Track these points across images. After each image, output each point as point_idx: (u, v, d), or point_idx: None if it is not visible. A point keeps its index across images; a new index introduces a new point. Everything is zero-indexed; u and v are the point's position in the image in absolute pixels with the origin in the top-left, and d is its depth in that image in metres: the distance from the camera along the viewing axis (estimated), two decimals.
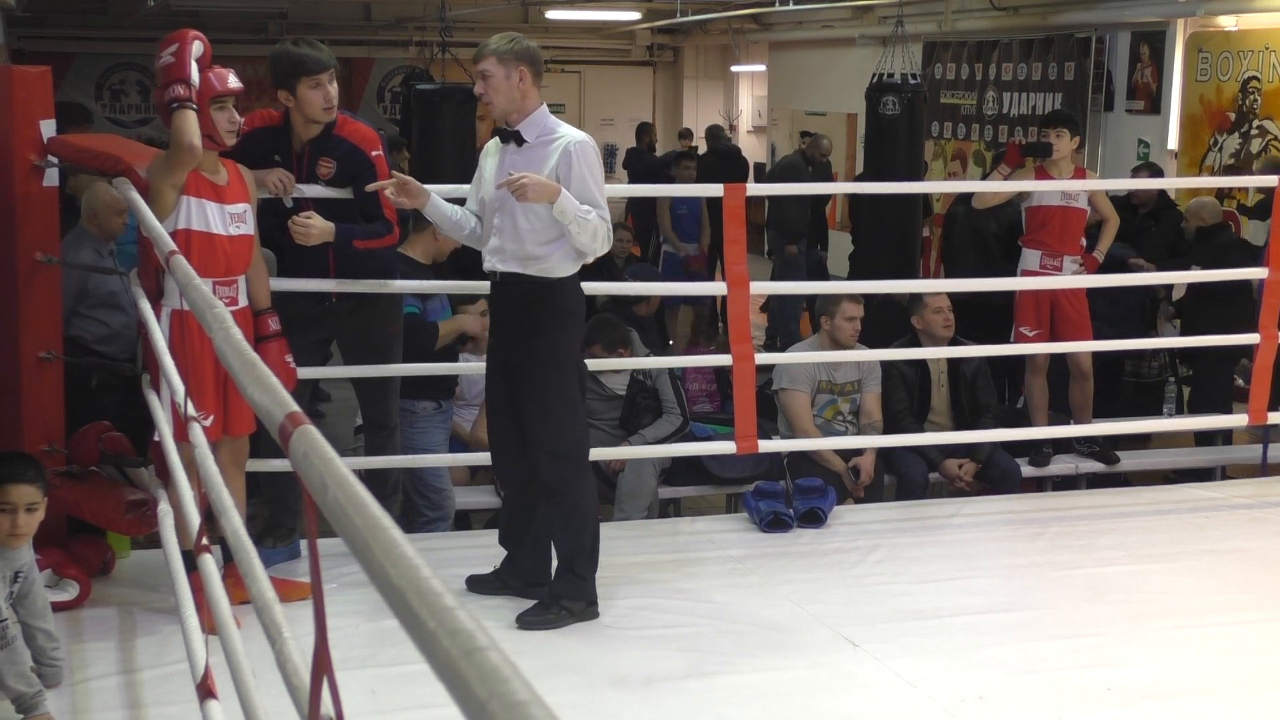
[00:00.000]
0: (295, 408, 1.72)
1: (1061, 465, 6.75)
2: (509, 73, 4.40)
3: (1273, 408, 6.17)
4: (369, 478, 5.05)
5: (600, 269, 6.08)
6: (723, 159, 13.07)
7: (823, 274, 11.50)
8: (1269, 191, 6.52)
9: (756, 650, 4.32)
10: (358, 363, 5.14)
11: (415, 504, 5.70)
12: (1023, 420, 6.76)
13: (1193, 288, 7.75)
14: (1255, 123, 9.63)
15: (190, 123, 4.18)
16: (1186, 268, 7.40)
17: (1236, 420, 6.57)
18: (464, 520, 6.23)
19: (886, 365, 6.37)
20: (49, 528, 4.09)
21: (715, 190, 5.86)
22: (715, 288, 7.52)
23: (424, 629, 1.13)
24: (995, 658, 4.29)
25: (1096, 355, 6.89)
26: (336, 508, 1.42)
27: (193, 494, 3.48)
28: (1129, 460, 6.85)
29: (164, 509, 4.27)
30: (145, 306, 4.29)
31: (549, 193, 4.29)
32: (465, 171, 7.66)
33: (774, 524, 5.51)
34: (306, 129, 4.79)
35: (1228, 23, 10.01)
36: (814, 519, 5.58)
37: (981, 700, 4.00)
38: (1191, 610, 4.73)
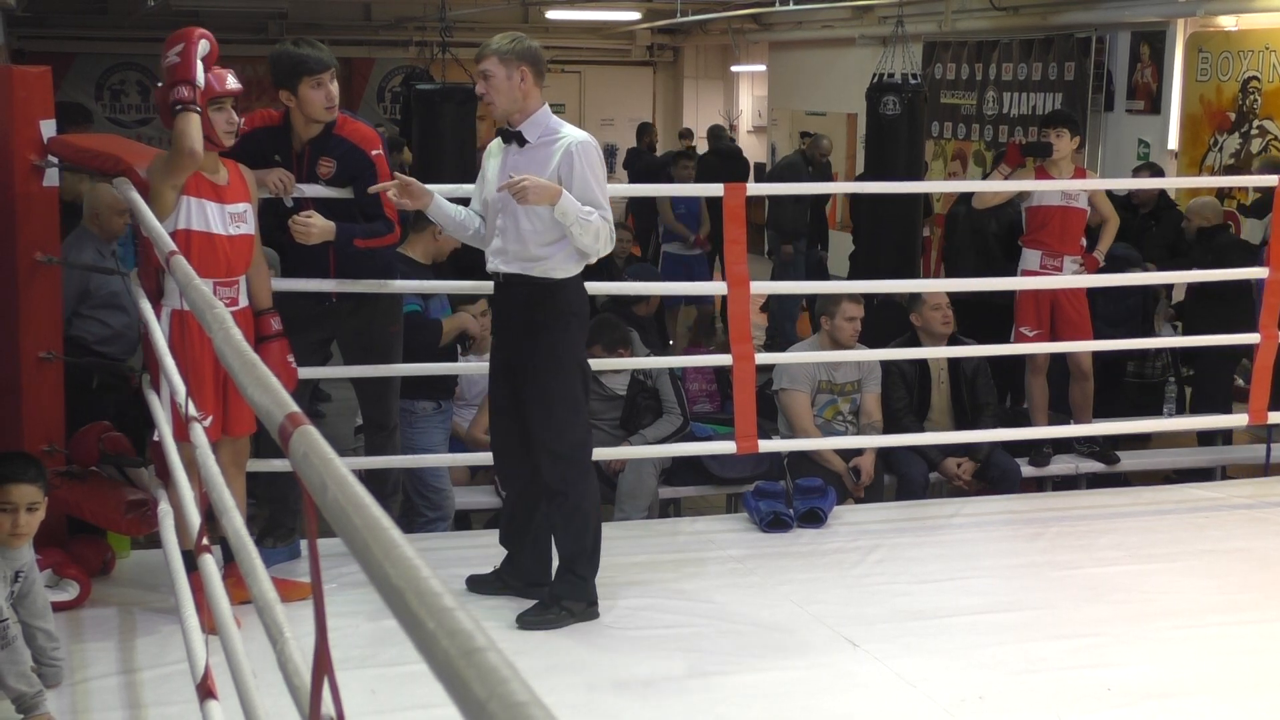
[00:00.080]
0: (295, 408, 1.73)
1: (1061, 465, 6.75)
2: (510, 73, 4.39)
3: (1273, 408, 6.17)
4: (369, 478, 5.05)
5: (600, 269, 6.08)
6: (724, 159, 13.07)
7: (823, 274, 11.49)
8: (1265, 190, 6.53)
9: (756, 650, 4.32)
10: (358, 363, 5.14)
11: (415, 504, 5.70)
12: (1023, 420, 6.76)
13: (1193, 289, 7.75)
14: (1255, 123, 9.63)
15: (193, 127, 4.18)
16: (1187, 269, 7.40)
17: (1237, 420, 6.57)
18: (464, 520, 6.23)
19: (886, 363, 6.37)
20: (49, 528, 4.09)
21: (715, 190, 5.86)
22: (715, 288, 7.52)
23: (423, 629, 1.13)
24: (995, 658, 4.29)
25: (1097, 355, 6.89)
26: (336, 508, 1.42)
27: (193, 494, 3.48)
28: (1129, 460, 6.85)
29: (164, 509, 4.27)
30: (145, 306, 4.29)
31: (550, 195, 4.28)
32: (465, 171, 7.69)
33: (774, 524, 5.51)
34: (307, 128, 4.79)
35: (1228, 23, 10.01)
36: (814, 519, 5.58)
37: (981, 700, 4.00)
38: (1191, 610, 4.73)
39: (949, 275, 8.82)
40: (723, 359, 5.89)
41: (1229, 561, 5.25)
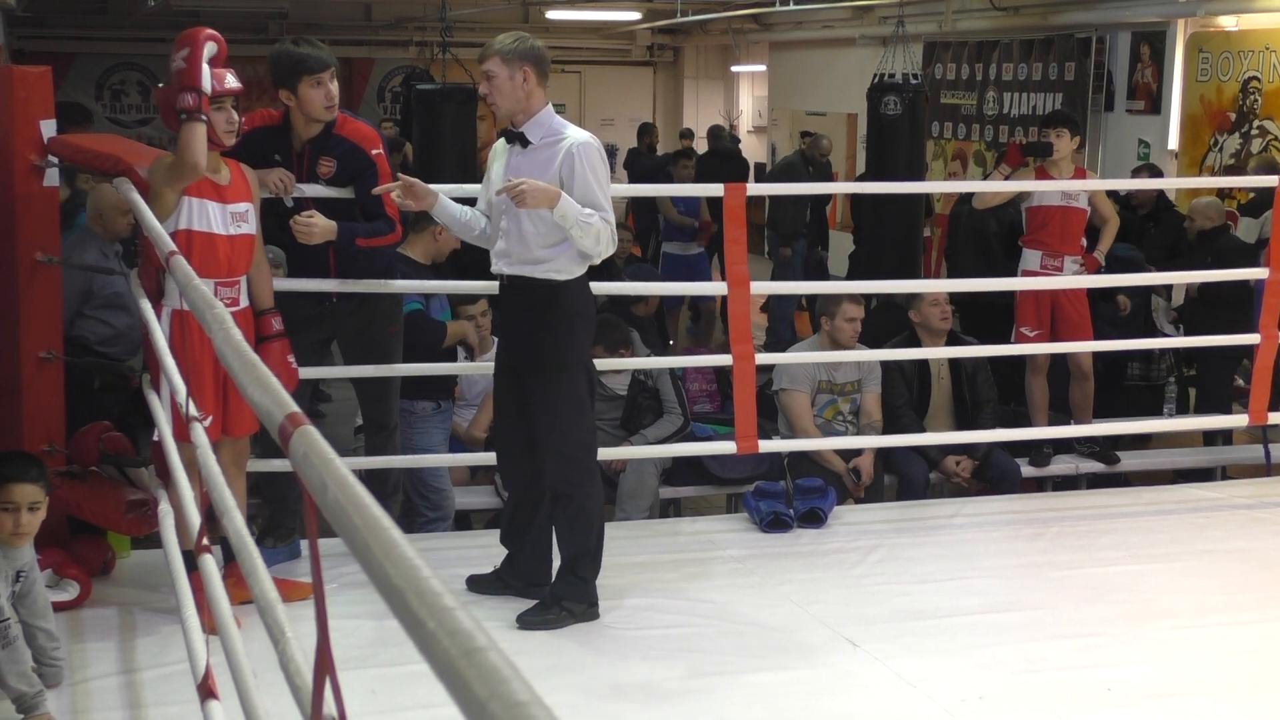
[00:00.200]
0: (295, 408, 1.73)
1: (1061, 465, 6.76)
2: (512, 73, 4.38)
3: (1273, 408, 6.17)
4: (369, 478, 5.05)
5: (600, 269, 6.09)
6: (723, 159, 13.05)
7: (823, 274, 11.49)
8: (1261, 190, 6.52)
9: (757, 650, 4.32)
10: (358, 363, 5.14)
11: (415, 504, 5.70)
12: (1023, 420, 6.76)
13: (1194, 293, 7.74)
14: (1255, 123, 9.64)
15: (198, 138, 4.15)
16: (1187, 269, 7.40)
17: (1237, 420, 6.57)
18: (464, 520, 6.23)
19: (886, 361, 6.37)
20: (50, 528, 4.09)
21: (715, 190, 5.86)
22: (715, 288, 7.52)
23: (424, 629, 1.13)
24: (995, 658, 4.29)
25: (1099, 356, 6.90)
26: (336, 508, 1.42)
27: (193, 494, 3.48)
28: (1129, 460, 6.86)
29: (164, 509, 4.27)
30: (146, 306, 4.29)
31: (548, 198, 4.27)
32: (466, 171, 7.69)
33: (774, 524, 5.52)
34: (307, 128, 4.79)
35: (1228, 23, 10.01)
36: (814, 519, 5.58)
37: (981, 700, 4.00)
38: (1191, 610, 4.73)
39: (951, 275, 8.82)
40: (723, 359, 5.89)
41: (1229, 561, 5.25)
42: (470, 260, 5.99)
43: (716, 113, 19.15)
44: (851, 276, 9.73)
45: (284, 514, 5.02)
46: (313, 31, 14.67)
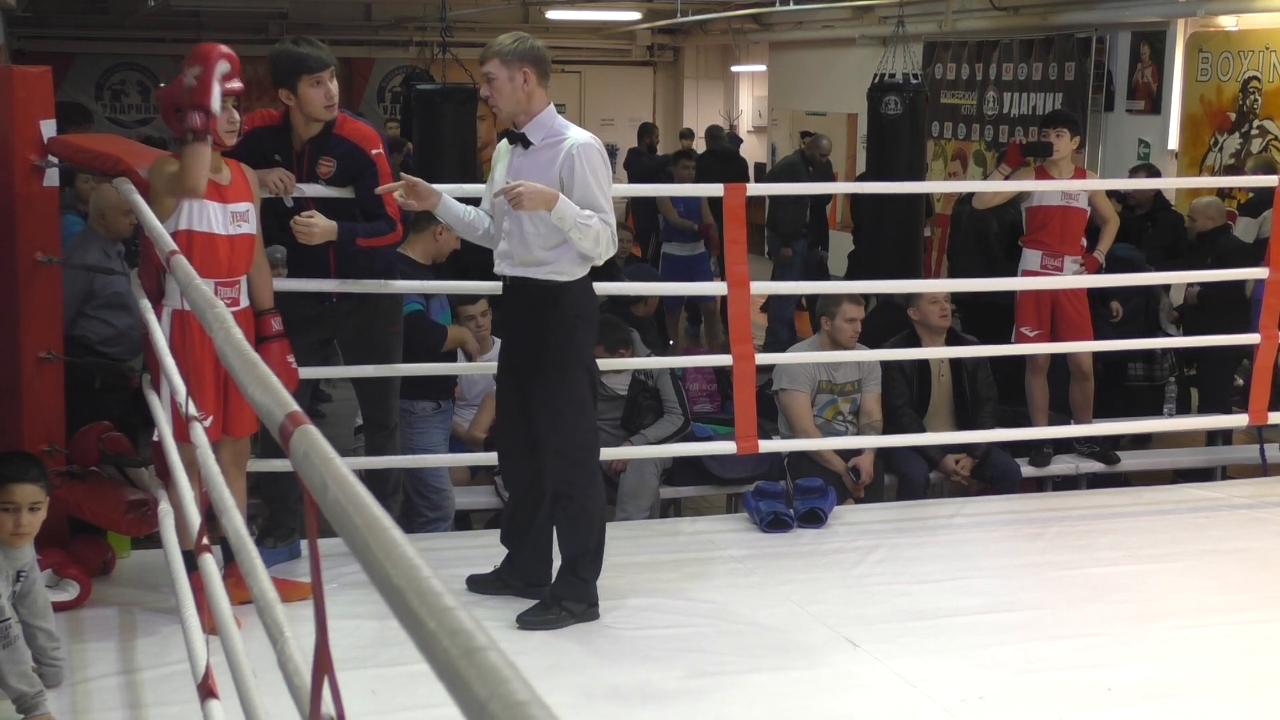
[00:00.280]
0: (295, 407, 1.73)
1: (1061, 465, 6.76)
2: (513, 74, 4.37)
3: (1273, 408, 6.17)
4: (369, 478, 5.05)
5: (600, 269, 6.09)
6: (720, 160, 13.03)
7: (823, 274, 11.50)
8: (1259, 189, 6.52)
9: (757, 650, 4.32)
10: (358, 363, 5.14)
11: (415, 504, 5.70)
12: (1023, 420, 6.77)
13: (1195, 299, 7.73)
14: (1256, 123, 9.64)
15: (201, 161, 4.14)
16: (1186, 270, 7.40)
17: (1237, 420, 6.57)
18: (464, 520, 6.23)
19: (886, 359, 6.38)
20: (50, 528, 4.09)
21: (715, 190, 5.86)
22: (715, 288, 7.52)
23: (424, 629, 1.13)
24: (995, 658, 4.29)
25: (1100, 356, 6.90)
26: (336, 508, 1.42)
27: (193, 494, 3.48)
28: (1129, 460, 6.86)
29: (164, 509, 4.27)
30: (146, 306, 4.29)
31: (545, 200, 4.26)
32: (466, 171, 7.70)
33: (774, 524, 5.52)
34: (307, 127, 4.79)
35: (1228, 23, 10.01)
36: (814, 519, 5.58)
37: (981, 700, 4.00)
38: (1191, 610, 4.73)
39: (953, 275, 8.83)
40: (723, 359, 5.90)
41: (1229, 561, 5.25)
42: (471, 260, 5.99)
43: (716, 113, 19.16)
44: (851, 276, 9.73)
45: (284, 514, 5.02)
46: (313, 31, 14.67)
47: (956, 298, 6.62)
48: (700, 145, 15.09)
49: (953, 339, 6.62)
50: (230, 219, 4.35)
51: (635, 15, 16.74)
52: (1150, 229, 8.29)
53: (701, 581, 4.96)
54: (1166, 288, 8.23)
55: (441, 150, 7.82)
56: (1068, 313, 6.62)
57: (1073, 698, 4.03)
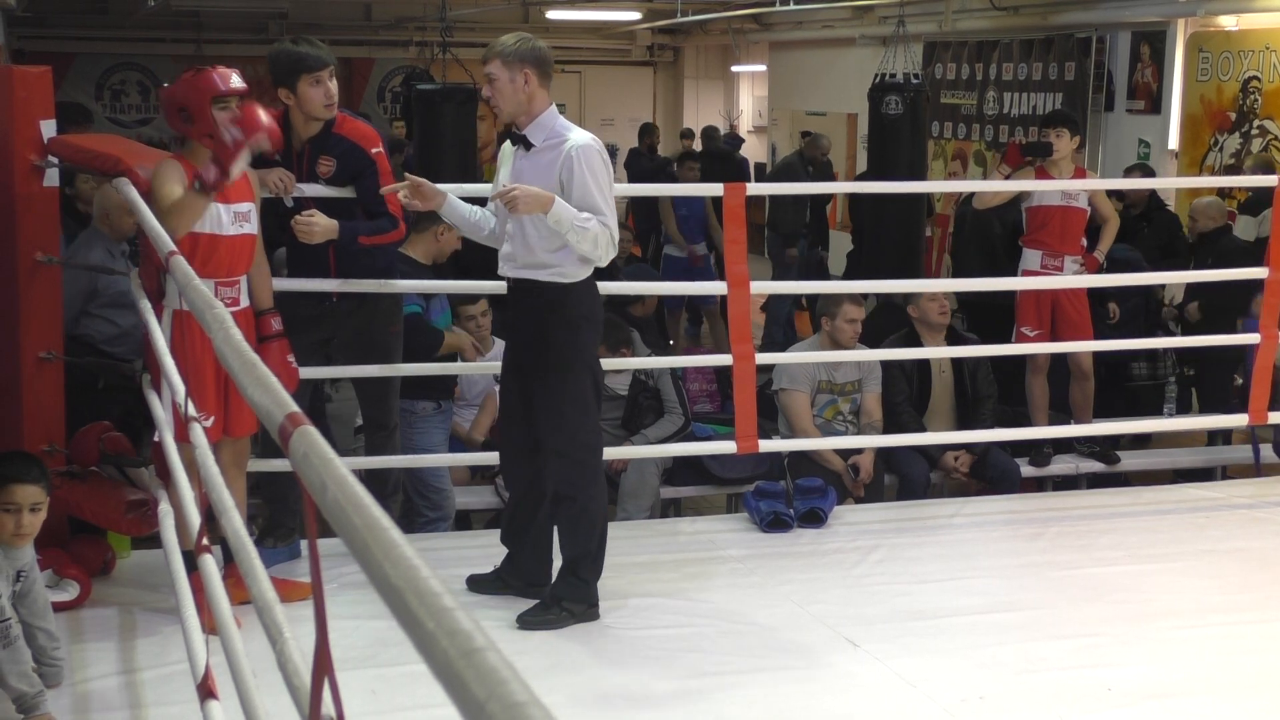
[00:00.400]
0: (295, 408, 1.73)
1: (1061, 465, 6.76)
2: (513, 75, 4.36)
3: (1273, 407, 6.17)
4: (369, 478, 5.05)
5: (602, 269, 6.09)
6: (716, 160, 13.01)
7: (823, 274, 11.49)
8: (1258, 188, 6.52)
9: (757, 650, 4.32)
10: (358, 363, 5.14)
11: (415, 504, 5.70)
12: (1023, 420, 6.77)
13: (1196, 296, 7.73)
14: (1256, 123, 9.63)
15: (197, 212, 4.14)
16: (1183, 270, 7.40)
17: (1237, 420, 6.57)
18: (464, 520, 6.23)
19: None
20: (50, 528, 4.10)
21: (715, 190, 5.86)
22: (715, 287, 7.52)
23: (423, 629, 1.13)
24: (995, 658, 4.29)
25: (1100, 356, 6.89)
26: (336, 508, 1.42)
27: (193, 494, 3.49)
28: (1129, 460, 6.86)
29: (164, 509, 4.27)
30: (146, 306, 4.29)
31: (541, 203, 4.25)
32: (466, 171, 7.69)
33: (774, 524, 5.52)
34: (307, 127, 4.79)
35: (1228, 23, 10.01)
36: (814, 519, 5.58)
37: (982, 700, 4.00)
38: (1191, 610, 4.73)
39: (957, 275, 8.83)
40: (723, 359, 5.90)
41: (1229, 561, 5.25)
42: (472, 260, 5.99)
43: (716, 113, 19.16)
44: (849, 276, 9.72)
45: (284, 514, 5.02)
46: (313, 31, 14.67)
47: (961, 299, 6.62)
48: (699, 146, 15.08)
49: (953, 336, 6.62)
50: (232, 219, 4.35)
51: (635, 15, 16.74)
52: (1146, 229, 8.29)
53: (701, 581, 4.96)
54: (1163, 287, 8.24)
55: (441, 150, 7.82)
56: (1068, 313, 6.62)
57: (1073, 698, 4.03)
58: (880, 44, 11.78)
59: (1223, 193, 8.50)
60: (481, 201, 4.72)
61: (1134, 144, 10.85)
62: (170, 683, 3.88)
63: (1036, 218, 6.67)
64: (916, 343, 6.47)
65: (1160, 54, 10.58)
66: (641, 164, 14.46)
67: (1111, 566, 5.17)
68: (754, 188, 8.72)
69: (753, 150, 17.84)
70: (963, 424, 6.51)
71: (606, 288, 6.50)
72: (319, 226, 4.66)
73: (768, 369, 6.43)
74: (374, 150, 4.84)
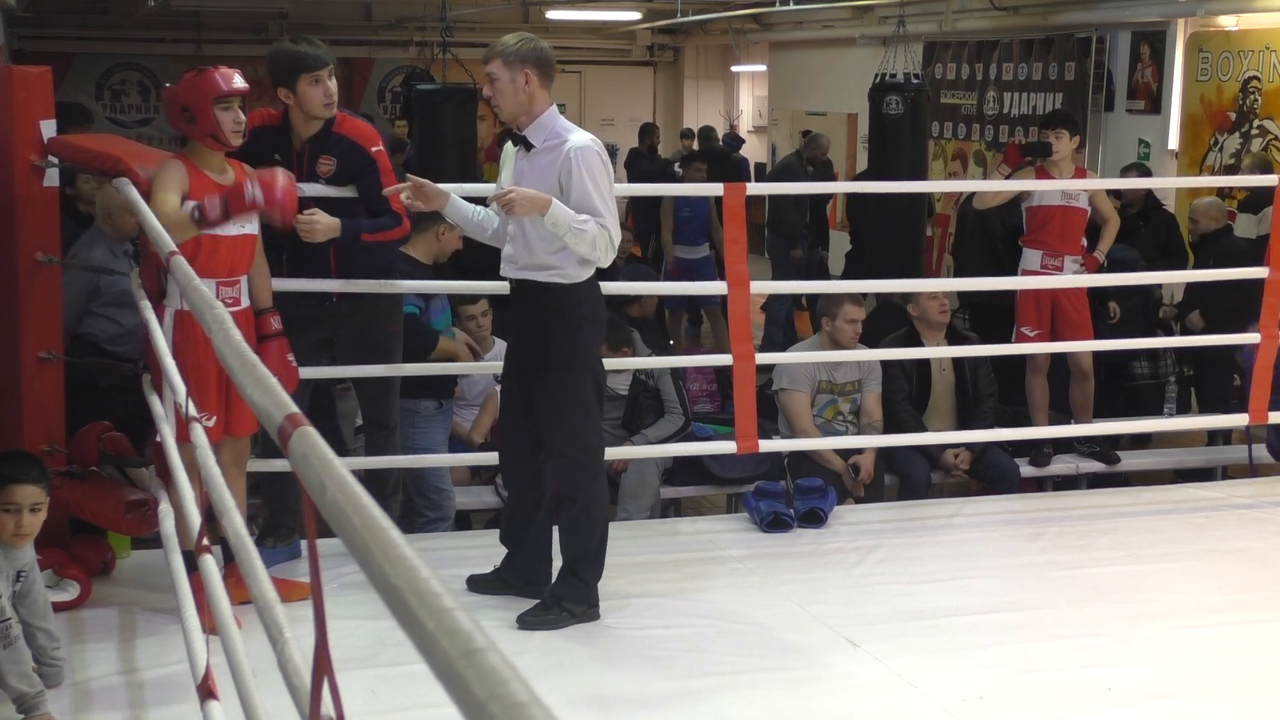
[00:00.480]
0: (294, 409, 1.73)
1: (1061, 465, 6.76)
2: (514, 75, 4.36)
3: (1274, 407, 6.17)
4: (369, 478, 5.05)
5: (603, 269, 6.09)
6: (713, 160, 13.01)
7: (823, 274, 11.49)
8: (1259, 188, 6.52)
9: (757, 650, 4.32)
10: (358, 362, 5.14)
11: (415, 504, 5.70)
12: (1023, 420, 6.77)
13: (1198, 303, 7.73)
14: (1256, 123, 9.63)
15: (186, 235, 4.12)
16: (1182, 270, 7.41)
17: (1236, 420, 6.57)
18: (464, 520, 6.23)
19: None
20: (50, 528, 4.09)
21: (715, 190, 5.86)
22: (715, 287, 7.52)
23: (423, 629, 1.13)
24: (995, 658, 4.29)
25: (1101, 356, 6.89)
26: (335, 508, 1.42)
27: (194, 494, 3.49)
28: (1129, 460, 6.86)
29: (164, 509, 4.27)
30: (147, 306, 4.29)
31: (538, 205, 4.25)
32: (466, 171, 7.69)
33: (774, 524, 5.52)
34: (307, 126, 4.79)
35: (1228, 23, 10.01)
36: (814, 519, 5.58)
37: (982, 700, 4.00)
38: (1191, 610, 4.73)
39: (959, 275, 8.83)
40: (723, 359, 5.90)
41: (1229, 561, 5.25)
42: (472, 260, 5.99)
43: (716, 113, 19.16)
44: (848, 276, 9.72)
45: (284, 514, 5.02)
46: (313, 31, 14.66)
47: (964, 299, 6.62)
48: (698, 146, 15.09)
49: (953, 335, 6.62)
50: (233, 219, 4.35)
51: (635, 15, 16.74)
52: (1143, 228, 8.29)
53: (701, 581, 4.96)
54: (1160, 287, 8.23)
55: (441, 150, 7.82)
56: (1068, 312, 6.62)
57: (1073, 698, 4.03)
58: (880, 44, 11.77)
59: (1222, 193, 8.50)
60: (482, 202, 4.72)
61: (1134, 144, 10.85)
62: (170, 683, 3.88)
63: (1036, 218, 6.68)
64: (916, 342, 6.47)
65: (1160, 54, 10.58)
66: (642, 165, 14.46)
67: (1111, 566, 5.17)
68: (754, 187, 8.72)
69: (753, 150, 17.84)
70: (963, 423, 6.51)
71: (606, 287, 6.53)
72: (321, 225, 4.66)
73: (768, 369, 6.44)
74: (374, 148, 4.84)
